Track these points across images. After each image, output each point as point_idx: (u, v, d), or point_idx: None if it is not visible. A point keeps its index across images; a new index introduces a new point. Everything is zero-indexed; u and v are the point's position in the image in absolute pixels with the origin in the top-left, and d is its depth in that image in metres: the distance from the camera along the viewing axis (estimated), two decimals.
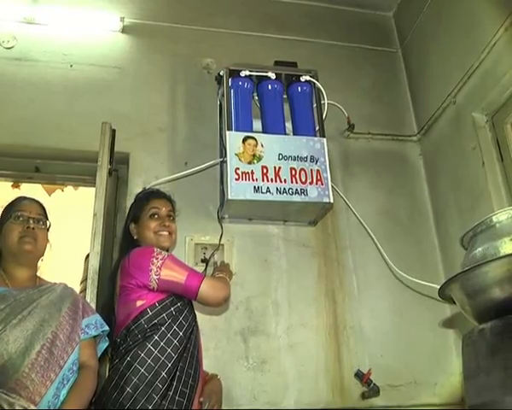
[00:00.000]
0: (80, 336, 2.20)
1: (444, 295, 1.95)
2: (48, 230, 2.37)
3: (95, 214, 2.89)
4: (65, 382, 2.07)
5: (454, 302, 1.95)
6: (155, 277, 2.27)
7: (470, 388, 1.72)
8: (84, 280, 3.67)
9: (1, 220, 2.29)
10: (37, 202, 2.38)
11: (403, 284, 3.37)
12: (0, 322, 1.99)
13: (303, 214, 3.40)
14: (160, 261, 2.32)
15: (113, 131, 3.12)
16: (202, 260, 3.28)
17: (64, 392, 2.06)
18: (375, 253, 3.47)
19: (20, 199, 2.35)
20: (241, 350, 3.15)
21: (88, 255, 3.67)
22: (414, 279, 3.19)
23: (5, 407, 1.84)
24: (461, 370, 3.16)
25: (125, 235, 2.64)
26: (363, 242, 3.50)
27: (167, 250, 2.52)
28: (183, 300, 2.37)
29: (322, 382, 3.18)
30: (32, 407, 1.91)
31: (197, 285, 2.32)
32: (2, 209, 2.34)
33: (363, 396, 3.15)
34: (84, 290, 3.57)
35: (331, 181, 3.28)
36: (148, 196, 2.68)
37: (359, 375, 3.15)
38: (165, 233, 2.54)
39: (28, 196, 2.41)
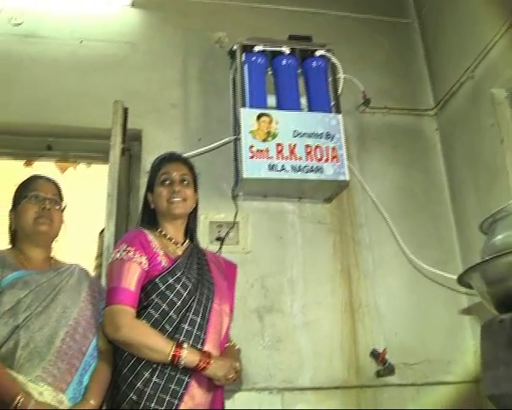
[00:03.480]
0: (99, 321, 2.18)
1: (462, 282, 1.93)
2: (63, 211, 2.33)
3: (108, 195, 2.87)
4: (87, 368, 2.08)
5: (472, 288, 1.93)
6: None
7: (489, 379, 1.70)
8: (99, 256, 3.67)
9: (15, 199, 2.25)
10: (53, 182, 2.34)
11: (418, 262, 3.32)
12: (25, 309, 1.98)
13: (318, 192, 3.36)
14: (112, 256, 2.22)
15: (126, 110, 3.07)
16: (217, 239, 3.26)
17: (86, 378, 2.06)
18: (390, 230, 3.43)
19: (34, 178, 2.31)
20: (257, 328, 3.15)
21: (102, 231, 3.68)
22: (430, 268, 3.23)
23: (35, 395, 1.84)
24: (475, 348, 3.25)
25: (144, 205, 2.47)
26: (379, 219, 3.46)
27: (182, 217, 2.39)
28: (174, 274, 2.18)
29: (337, 360, 3.18)
30: (61, 395, 1.93)
31: (105, 305, 2.13)
32: (16, 187, 2.30)
33: (378, 374, 3.16)
34: (99, 266, 3.58)
35: (346, 158, 3.23)
36: (160, 161, 2.48)
37: (375, 354, 3.16)
38: (177, 199, 2.33)
39: (43, 174, 2.36)
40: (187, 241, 2.40)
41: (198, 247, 2.44)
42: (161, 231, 2.34)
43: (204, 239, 3.19)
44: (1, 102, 3.26)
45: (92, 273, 3.56)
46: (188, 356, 1.99)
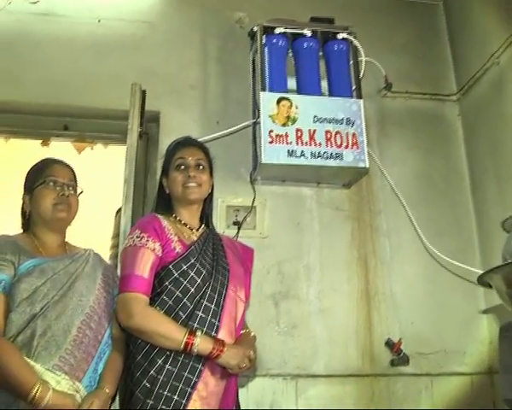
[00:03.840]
0: (113, 308, 2.18)
1: (482, 282, 1.91)
2: (78, 196, 2.30)
3: (125, 180, 2.85)
4: (102, 355, 2.08)
5: (491, 287, 1.91)
6: None
7: (506, 382, 1.68)
8: (116, 236, 3.67)
9: (30, 183, 2.22)
10: (69, 167, 2.31)
11: (435, 251, 3.27)
12: (42, 298, 1.97)
13: (337, 177, 3.33)
14: (126, 242, 2.19)
15: (143, 92, 3.03)
16: (234, 223, 3.24)
17: (101, 365, 2.06)
18: (408, 217, 3.39)
19: (50, 162, 2.27)
20: (272, 314, 3.15)
21: (119, 210, 3.68)
22: (448, 259, 3.21)
23: (52, 384, 1.84)
24: (490, 339, 3.23)
25: (159, 190, 2.44)
26: (397, 205, 3.42)
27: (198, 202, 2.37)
28: (187, 261, 2.16)
29: (352, 348, 3.18)
30: (77, 383, 1.93)
31: (118, 293, 2.11)
32: (30, 170, 2.27)
33: (392, 363, 3.16)
34: (115, 246, 3.58)
35: (366, 144, 3.18)
36: (175, 145, 2.44)
37: (390, 344, 3.15)
38: (192, 185, 2.29)
39: (58, 158, 2.32)
40: (202, 226, 2.37)
41: (214, 232, 2.41)
42: (176, 217, 2.32)
43: (221, 223, 3.19)
44: (17, 82, 3.24)
45: (107, 256, 3.63)
46: (201, 344, 1.98)
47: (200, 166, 2.34)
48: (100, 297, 2.14)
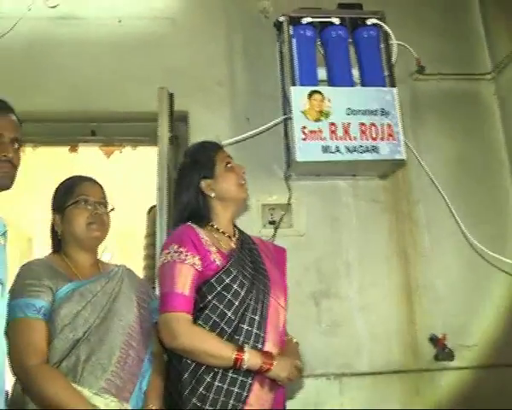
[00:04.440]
0: (150, 324, 2.16)
1: None
2: (109, 212, 2.25)
3: (158, 188, 2.79)
4: (145, 374, 2.06)
5: None
6: None
7: None
8: (149, 235, 3.64)
9: (60, 202, 2.16)
10: (98, 184, 2.25)
11: (476, 243, 3.18)
12: (84, 323, 1.95)
13: (373, 169, 3.25)
14: (163, 258, 2.10)
15: (171, 96, 2.95)
16: (270, 222, 3.18)
17: (145, 383, 2.04)
18: (447, 206, 3.28)
19: (80, 180, 2.21)
20: (313, 313, 3.11)
21: (150, 209, 3.64)
22: (488, 251, 3.12)
23: (102, 407, 1.83)
24: None
25: (195, 197, 2.23)
26: (436, 194, 3.31)
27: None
28: (229, 274, 2.07)
29: (394, 343, 3.13)
30: (126, 404, 1.92)
31: (159, 312, 2.05)
32: (59, 188, 2.22)
33: (437, 358, 3.10)
34: (149, 246, 3.54)
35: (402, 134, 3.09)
36: (214, 147, 2.31)
37: (433, 340, 3.10)
38: (244, 182, 2.25)
39: (85, 175, 2.26)
40: (237, 232, 2.28)
41: (245, 234, 2.32)
42: (213, 225, 2.21)
43: (257, 223, 3.15)
44: (41, 89, 3.17)
45: (142, 256, 3.60)
46: (250, 359, 1.93)
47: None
48: (138, 315, 2.11)
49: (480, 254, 3.22)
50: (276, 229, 3.14)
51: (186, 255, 2.04)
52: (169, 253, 2.07)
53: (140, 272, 3.41)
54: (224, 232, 2.21)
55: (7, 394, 1.87)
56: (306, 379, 2.97)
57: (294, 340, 2.26)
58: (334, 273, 3.17)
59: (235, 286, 2.04)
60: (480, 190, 3.42)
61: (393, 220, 3.31)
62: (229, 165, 2.24)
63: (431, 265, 3.26)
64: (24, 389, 1.87)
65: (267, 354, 1.99)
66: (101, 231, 2.17)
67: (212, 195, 2.21)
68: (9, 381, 1.91)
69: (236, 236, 2.26)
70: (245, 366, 1.92)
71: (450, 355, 3.05)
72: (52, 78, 3.20)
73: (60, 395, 1.79)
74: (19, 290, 1.94)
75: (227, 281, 2.04)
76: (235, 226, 2.31)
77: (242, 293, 2.04)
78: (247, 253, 2.21)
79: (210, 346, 1.96)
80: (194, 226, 2.16)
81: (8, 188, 1.88)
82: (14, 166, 1.89)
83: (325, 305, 3.12)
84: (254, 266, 2.17)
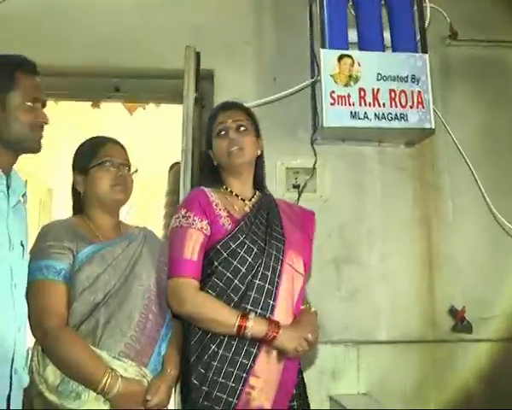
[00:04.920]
0: None
1: None
2: (132, 174, 2.23)
3: (183, 150, 2.74)
4: (164, 338, 2.07)
5: None
6: None
7: None
8: (170, 193, 3.62)
9: (84, 163, 2.13)
10: (122, 145, 2.23)
11: (499, 216, 3.15)
12: (105, 286, 1.96)
13: (401, 137, 3.19)
14: (172, 223, 2.10)
15: (198, 55, 2.87)
16: (294, 186, 3.14)
17: (164, 347, 2.06)
18: (472, 176, 3.23)
19: (104, 141, 2.19)
20: (333, 279, 3.10)
21: (172, 166, 3.61)
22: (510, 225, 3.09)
23: (120, 371, 1.85)
24: None
25: (206, 163, 2.30)
26: (462, 164, 3.25)
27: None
28: (236, 239, 2.05)
29: (414, 313, 3.14)
30: (144, 369, 1.94)
31: (168, 277, 2.05)
32: (81, 148, 2.20)
33: (455, 329, 3.10)
34: (170, 205, 3.53)
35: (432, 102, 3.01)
36: (215, 112, 2.28)
37: (453, 311, 3.09)
38: (234, 149, 2.12)
39: (109, 136, 2.23)
40: (256, 194, 2.24)
41: (269, 198, 2.28)
42: (227, 188, 2.20)
43: (280, 187, 3.11)
44: (65, 44, 3.10)
45: (162, 215, 3.58)
46: (254, 327, 1.90)
47: (242, 128, 2.17)
48: (158, 279, 2.11)
49: (503, 227, 3.18)
50: (300, 193, 3.10)
51: (194, 220, 2.03)
52: (178, 218, 2.07)
53: (160, 231, 3.42)
54: (237, 195, 2.18)
55: (27, 353, 1.88)
56: (324, 346, 2.97)
57: (313, 309, 2.20)
58: (356, 240, 3.15)
59: (241, 252, 2.01)
60: (507, 163, 3.34)
61: (418, 188, 3.26)
62: (220, 132, 2.17)
63: (453, 235, 3.23)
64: (43, 349, 1.88)
65: (273, 323, 1.95)
66: (125, 193, 2.16)
67: (215, 163, 2.23)
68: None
69: (255, 199, 2.21)
70: (249, 334, 1.90)
71: (468, 328, 3.04)
72: (76, 33, 3.12)
73: (79, 358, 1.82)
74: (39, 252, 1.95)
75: (233, 246, 2.02)
76: (258, 188, 2.27)
77: (249, 259, 2.01)
78: (263, 215, 2.16)
79: (214, 312, 1.95)
80: (207, 190, 2.14)
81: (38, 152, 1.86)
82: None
83: (346, 271, 3.10)
84: (268, 230, 2.12)
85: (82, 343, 1.85)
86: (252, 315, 1.92)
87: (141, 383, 1.91)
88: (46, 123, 1.84)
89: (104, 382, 1.80)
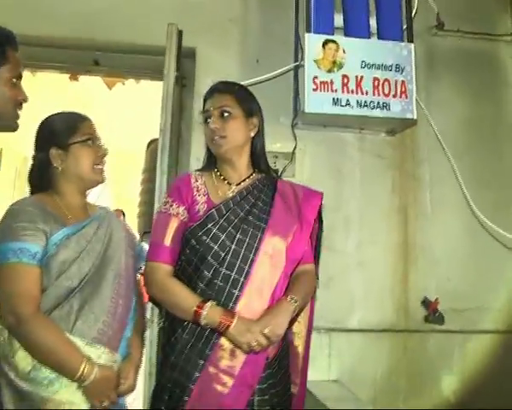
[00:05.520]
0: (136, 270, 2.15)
1: None
2: None
3: (161, 130, 2.69)
4: (130, 321, 2.04)
5: None
6: None
7: None
8: (147, 170, 3.57)
9: (64, 138, 2.01)
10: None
11: (476, 210, 3.15)
12: (80, 271, 1.88)
13: (382, 125, 3.17)
14: (159, 209, 2.09)
15: (180, 33, 2.81)
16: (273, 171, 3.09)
17: (129, 330, 2.02)
18: (452, 168, 3.21)
19: (81, 117, 2.06)
20: None
21: (150, 143, 3.55)
22: (489, 222, 3.09)
23: (94, 358, 1.81)
24: None
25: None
26: (442, 155, 3.24)
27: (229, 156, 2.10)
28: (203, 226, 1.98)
29: (387, 302, 3.15)
30: (116, 354, 1.91)
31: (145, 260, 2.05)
32: (59, 122, 2.05)
33: (427, 320, 3.13)
34: (146, 181, 3.48)
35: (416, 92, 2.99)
36: (204, 96, 2.16)
37: (426, 303, 3.11)
38: (216, 138, 2.03)
39: (85, 115, 2.10)
40: (252, 176, 2.14)
41: (270, 179, 2.18)
42: (218, 171, 2.13)
43: None
44: (46, 15, 3.02)
45: (138, 192, 3.54)
46: (209, 314, 1.83)
47: (225, 114, 2.05)
48: (126, 262, 2.06)
49: (480, 220, 3.18)
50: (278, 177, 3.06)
51: (171, 205, 2.01)
52: (162, 203, 2.08)
53: (135, 209, 3.38)
54: (225, 179, 2.11)
55: None
56: None
57: (293, 300, 1.94)
58: (332, 227, 3.09)
59: (207, 239, 1.95)
60: (488, 156, 3.35)
61: (397, 177, 3.25)
62: (206, 119, 2.08)
63: (430, 226, 3.24)
64: (15, 335, 1.80)
65: (229, 313, 1.85)
66: (103, 173, 2.09)
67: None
68: None
69: (246, 182, 2.11)
70: (203, 322, 1.84)
71: (440, 319, 3.07)
72: (57, 4, 3.03)
73: (55, 345, 1.77)
74: (11, 232, 1.83)
75: (199, 234, 1.96)
76: (259, 169, 2.18)
77: (215, 247, 1.94)
78: (249, 201, 2.06)
79: (177, 298, 1.93)
80: (194, 174, 2.11)
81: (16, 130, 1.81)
82: None
83: (321, 258, 3.07)
84: (248, 217, 2.01)
85: (57, 330, 1.79)
86: (209, 303, 1.85)
87: (112, 369, 1.87)
88: (26, 101, 1.76)
89: (82, 370, 1.76)
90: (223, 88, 2.13)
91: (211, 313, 1.83)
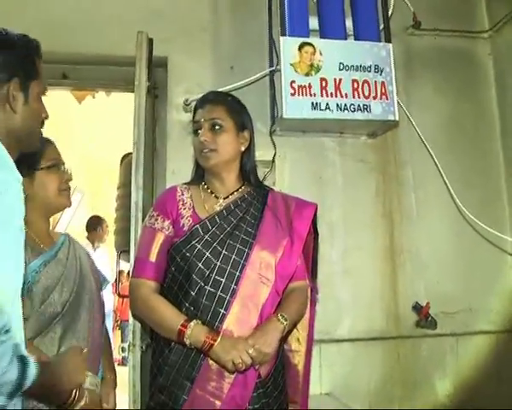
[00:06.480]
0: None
1: None
2: None
3: (134, 143, 2.56)
4: (103, 342, 2.10)
5: None
6: None
7: None
8: (121, 186, 3.45)
9: (30, 164, 1.95)
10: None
11: (463, 208, 3.08)
12: (60, 297, 1.90)
13: (363, 128, 3.09)
14: (144, 223, 2.06)
15: (151, 41, 2.70)
16: None
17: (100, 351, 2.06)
18: (436, 169, 3.15)
19: (48, 142, 2.03)
20: None
21: (124, 157, 3.44)
22: (476, 220, 3.03)
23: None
24: None
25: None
26: (425, 156, 3.17)
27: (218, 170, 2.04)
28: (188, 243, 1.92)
29: (376, 309, 3.06)
30: (97, 378, 1.92)
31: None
32: None
33: (418, 325, 3.05)
34: (121, 197, 3.36)
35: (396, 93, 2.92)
36: (195, 106, 2.12)
37: (417, 308, 3.03)
38: (206, 151, 1.96)
39: (49, 138, 2.05)
40: (240, 189, 2.07)
41: (260, 193, 2.10)
42: (205, 184, 2.07)
43: None
44: (9, 26, 2.87)
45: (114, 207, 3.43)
46: (192, 334, 1.77)
47: (216, 127, 1.99)
48: (95, 285, 2.09)
49: (467, 219, 3.12)
50: None
51: (156, 220, 1.97)
52: (147, 217, 2.02)
53: (112, 225, 3.27)
54: (212, 192, 2.05)
55: None
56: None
57: (283, 319, 1.87)
58: None
59: (191, 256, 1.89)
60: (470, 154, 3.31)
61: (380, 181, 3.18)
62: (196, 130, 2.03)
63: (417, 229, 3.17)
64: None
65: (213, 332, 1.78)
66: (70, 198, 2.10)
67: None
68: None
69: (234, 196, 2.04)
70: (187, 341, 1.77)
71: (433, 324, 2.99)
72: (22, 13, 2.90)
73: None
74: None
75: (183, 250, 1.90)
76: (249, 182, 2.11)
77: (200, 264, 1.88)
78: (236, 215, 1.99)
79: (160, 316, 1.87)
80: (181, 187, 2.06)
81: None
82: None
83: None
84: (235, 232, 1.94)
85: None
86: (194, 322, 1.78)
87: (96, 393, 1.87)
88: (47, 118, 1.63)
89: (73, 395, 1.70)
90: (215, 99, 2.09)
91: (195, 332, 1.76)
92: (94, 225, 5.67)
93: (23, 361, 1.22)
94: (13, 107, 1.45)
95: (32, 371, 1.23)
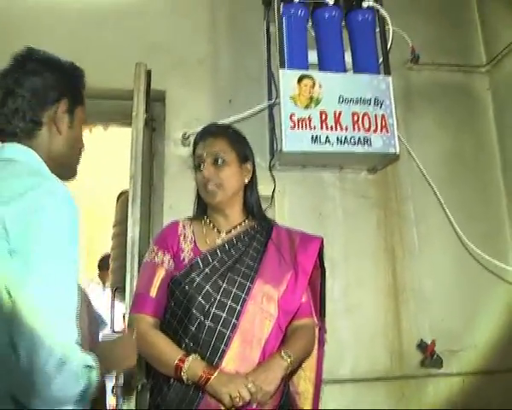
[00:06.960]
0: None
1: None
2: None
3: (131, 177, 2.50)
4: None
5: None
6: None
7: None
8: (118, 224, 3.38)
9: None
10: None
11: (466, 241, 3.00)
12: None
13: (363, 162, 3.04)
14: (144, 259, 2.00)
15: (149, 73, 2.66)
16: None
17: None
18: (437, 202, 3.09)
19: None
20: None
21: (120, 195, 3.37)
22: (478, 251, 2.94)
23: None
24: None
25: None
26: (426, 190, 3.12)
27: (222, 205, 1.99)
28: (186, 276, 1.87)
29: (379, 348, 2.96)
30: None
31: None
32: None
33: (423, 364, 2.94)
34: (117, 235, 3.29)
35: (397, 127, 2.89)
36: (195, 140, 2.07)
37: (422, 346, 2.93)
38: (210, 187, 1.92)
39: None
40: (244, 223, 2.02)
41: (265, 226, 2.05)
42: (207, 218, 2.02)
43: None
44: (2, 58, 2.85)
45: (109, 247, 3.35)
46: (190, 368, 1.70)
47: (219, 161, 1.94)
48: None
49: (471, 252, 3.05)
50: None
51: (156, 254, 1.93)
52: (147, 252, 1.98)
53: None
54: (214, 226, 2.00)
55: None
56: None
57: (286, 356, 1.79)
58: None
59: (190, 290, 1.84)
60: (471, 187, 3.27)
61: (382, 216, 3.12)
62: (198, 166, 1.98)
63: (419, 264, 3.10)
64: None
65: (211, 367, 1.73)
66: None
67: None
68: None
69: (237, 230, 1.99)
70: (184, 377, 1.70)
71: (438, 362, 2.88)
72: (14, 44, 2.87)
73: None
74: None
75: (183, 284, 1.85)
76: (252, 216, 2.06)
77: (199, 298, 1.82)
78: (239, 249, 1.94)
79: (158, 351, 1.80)
80: (182, 221, 2.01)
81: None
82: None
83: None
84: (236, 266, 1.89)
85: None
86: (191, 357, 1.72)
87: None
88: (83, 149, 1.63)
89: None
90: (216, 131, 2.05)
91: (192, 366, 1.70)
92: (107, 264, 5.49)
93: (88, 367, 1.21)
94: (59, 127, 1.46)
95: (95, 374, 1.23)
